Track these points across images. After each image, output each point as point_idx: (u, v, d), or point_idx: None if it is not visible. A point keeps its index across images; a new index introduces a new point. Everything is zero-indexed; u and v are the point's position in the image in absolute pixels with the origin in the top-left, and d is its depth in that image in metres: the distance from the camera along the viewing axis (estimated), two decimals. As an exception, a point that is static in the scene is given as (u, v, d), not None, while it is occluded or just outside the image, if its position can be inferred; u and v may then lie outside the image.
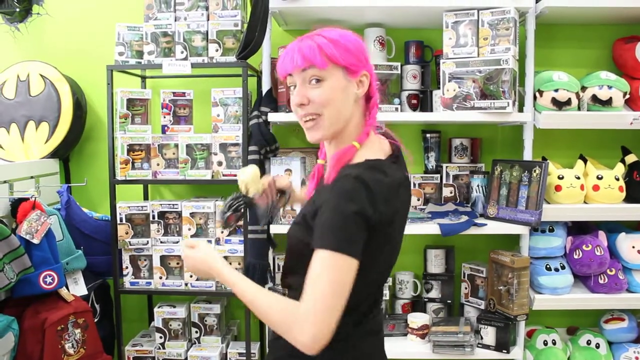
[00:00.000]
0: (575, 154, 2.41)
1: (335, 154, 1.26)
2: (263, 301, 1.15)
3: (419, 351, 2.28)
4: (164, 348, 2.42)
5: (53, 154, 2.52)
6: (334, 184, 1.14)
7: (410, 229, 2.13)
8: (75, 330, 2.07)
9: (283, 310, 1.11)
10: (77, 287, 2.22)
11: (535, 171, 2.19)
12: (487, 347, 2.28)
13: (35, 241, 1.97)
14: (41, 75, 2.51)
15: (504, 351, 2.25)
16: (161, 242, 2.38)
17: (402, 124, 2.58)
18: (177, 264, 2.38)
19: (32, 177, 2.36)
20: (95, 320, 2.30)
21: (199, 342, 2.46)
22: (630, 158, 2.37)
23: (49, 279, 1.99)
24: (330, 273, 1.06)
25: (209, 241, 2.35)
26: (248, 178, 1.50)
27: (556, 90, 2.20)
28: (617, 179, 2.24)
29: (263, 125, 2.27)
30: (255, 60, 2.37)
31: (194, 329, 2.46)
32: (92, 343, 2.11)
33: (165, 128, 2.39)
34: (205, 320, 2.45)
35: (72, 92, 2.51)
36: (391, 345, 2.27)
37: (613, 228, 2.39)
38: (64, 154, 2.63)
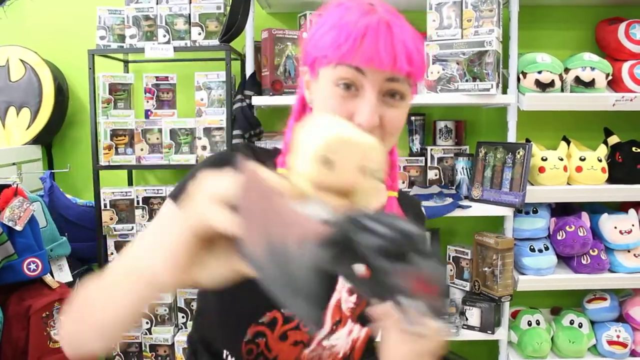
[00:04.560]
0: (558, 136, 2.42)
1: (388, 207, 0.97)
2: None
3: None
4: (150, 333, 2.42)
5: (35, 140, 2.49)
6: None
7: (395, 211, 2.14)
8: (61, 317, 2.06)
9: None
10: (62, 274, 2.21)
11: (519, 153, 2.20)
12: (472, 328, 2.30)
13: (18, 228, 1.95)
14: (21, 60, 2.47)
15: (488, 332, 2.28)
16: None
17: (387, 107, 2.58)
18: (163, 249, 2.37)
19: (14, 164, 2.33)
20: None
21: (186, 327, 2.46)
22: (613, 139, 2.38)
23: (32, 266, 1.98)
24: None
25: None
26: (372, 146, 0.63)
27: (539, 72, 2.20)
28: (600, 160, 2.26)
29: (247, 109, 2.26)
30: (239, 44, 2.35)
31: (180, 314, 2.46)
32: (77, 329, 2.11)
33: (149, 113, 2.37)
34: (192, 305, 2.45)
35: (54, 77, 2.48)
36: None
37: (596, 209, 2.41)
38: (47, 140, 2.60)
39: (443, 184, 2.44)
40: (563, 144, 2.32)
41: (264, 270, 0.54)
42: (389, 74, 0.82)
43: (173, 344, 2.40)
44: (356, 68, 0.81)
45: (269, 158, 0.95)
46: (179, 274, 0.62)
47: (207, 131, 2.30)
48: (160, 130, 2.33)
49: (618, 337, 2.31)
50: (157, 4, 2.31)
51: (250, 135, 2.27)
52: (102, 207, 2.35)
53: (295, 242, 0.53)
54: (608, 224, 2.30)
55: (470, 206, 2.24)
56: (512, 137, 2.29)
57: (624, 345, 2.30)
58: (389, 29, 0.81)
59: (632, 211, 2.31)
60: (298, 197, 0.57)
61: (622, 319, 2.40)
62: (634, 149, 2.30)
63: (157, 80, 2.37)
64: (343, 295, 0.94)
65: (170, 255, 0.62)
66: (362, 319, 0.95)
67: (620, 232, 2.27)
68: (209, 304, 1.00)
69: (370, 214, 0.56)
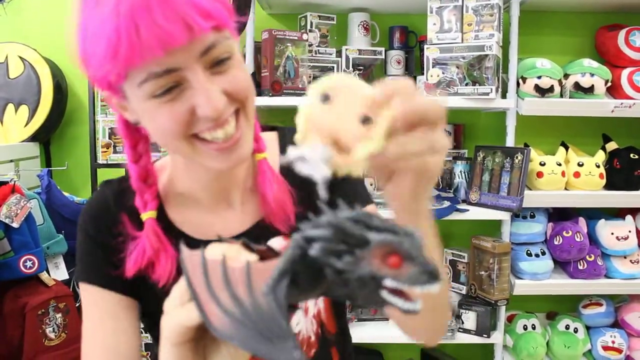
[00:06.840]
0: (557, 141, 2.43)
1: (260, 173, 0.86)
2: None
3: (401, 335, 2.29)
4: (146, 332, 2.41)
5: (33, 138, 2.49)
6: None
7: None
8: (57, 314, 2.05)
9: None
10: (58, 272, 2.20)
11: (517, 157, 2.20)
12: (467, 331, 2.30)
13: (15, 225, 1.95)
14: (20, 57, 2.47)
15: (484, 336, 2.28)
16: (143, 227, 2.36)
17: (386, 110, 2.58)
18: (160, 248, 2.37)
19: (11, 161, 2.33)
20: (77, 304, 2.28)
21: (182, 327, 2.46)
22: (611, 146, 2.39)
23: (29, 263, 1.97)
24: None
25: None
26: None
27: (539, 77, 2.21)
28: (598, 166, 2.26)
29: (246, 110, 2.25)
30: (239, 44, 2.35)
31: (176, 314, 2.46)
32: (73, 327, 2.10)
33: (148, 112, 2.37)
34: (188, 305, 2.45)
35: (53, 74, 2.47)
36: (373, 330, 2.29)
37: (593, 215, 2.41)
38: (45, 137, 2.59)
39: (441, 187, 2.44)
40: (561, 149, 2.33)
41: (237, 336, 0.50)
42: (198, 47, 0.67)
43: (168, 343, 2.39)
44: (163, 71, 0.66)
45: (128, 185, 0.87)
46: None
47: (206, 131, 2.30)
48: (159, 130, 2.32)
49: (613, 342, 2.32)
50: (157, 3, 2.31)
51: (249, 135, 2.26)
52: (100, 206, 2.34)
53: (252, 293, 0.50)
54: (605, 230, 2.31)
55: (468, 210, 2.24)
56: (510, 142, 2.29)
57: (619, 351, 2.31)
58: None
59: (629, 217, 2.31)
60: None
61: (617, 324, 2.40)
62: (632, 155, 2.30)
63: (156, 79, 2.37)
64: None
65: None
66: None
67: (617, 238, 2.28)
68: None
69: (314, 220, 0.49)
